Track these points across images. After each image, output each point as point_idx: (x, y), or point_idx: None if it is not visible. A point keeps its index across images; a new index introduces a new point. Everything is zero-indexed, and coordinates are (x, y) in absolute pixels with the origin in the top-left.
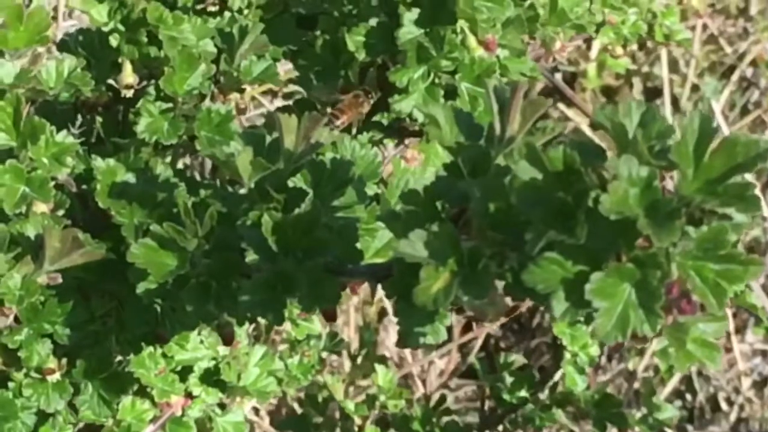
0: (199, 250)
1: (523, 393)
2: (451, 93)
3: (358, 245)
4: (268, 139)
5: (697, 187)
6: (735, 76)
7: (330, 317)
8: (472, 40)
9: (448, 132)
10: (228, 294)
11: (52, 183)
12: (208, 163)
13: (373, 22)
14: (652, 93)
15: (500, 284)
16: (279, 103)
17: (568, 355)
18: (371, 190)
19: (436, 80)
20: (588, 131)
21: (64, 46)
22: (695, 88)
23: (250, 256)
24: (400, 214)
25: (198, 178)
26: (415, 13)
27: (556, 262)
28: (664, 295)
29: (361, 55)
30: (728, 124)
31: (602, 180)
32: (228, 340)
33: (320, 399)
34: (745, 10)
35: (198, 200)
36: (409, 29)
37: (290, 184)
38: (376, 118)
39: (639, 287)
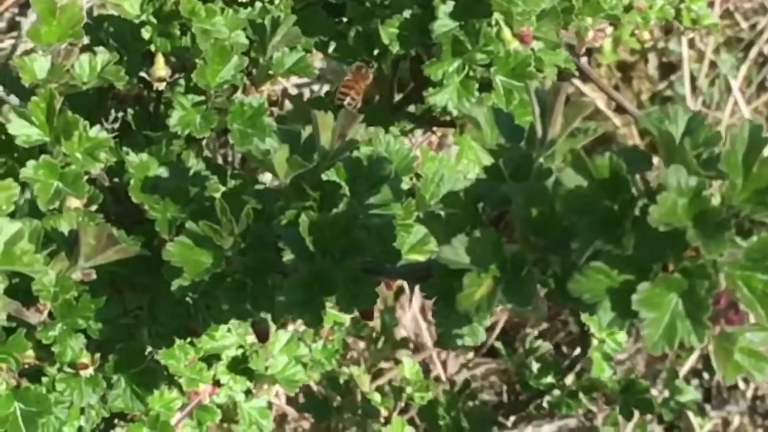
0: (234, 248)
1: (549, 379)
2: (486, 86)
3: (396, 245)
4: (304, 135)
5: (746, 198)
6: (753, 53)
7: (367, 316)
8: (507, 33)
9: (488, 133)
10: (264, 292)
11: (85, 177)
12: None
13: (406, 14)
14: (667, 68)
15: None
16: (296, 80)
17: (595, 342)
18: (405, 183)
19: (471, 73)
20: (604, 107)
21: (90, 30)
22: (712, 64)
23: (287, 256)
24: (439, 214)
25: (220, 160)
26: (450, 5)
27: (602, 271)
28: (712, 306)
29: (395, 48)
30: (744, 101)
31: (648, 187)
32: (263, 336)
33: (341, 381)
34: None
35: (228, 190)
36: (444, 22)
37: (324, 177)
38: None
39: (686, 297)
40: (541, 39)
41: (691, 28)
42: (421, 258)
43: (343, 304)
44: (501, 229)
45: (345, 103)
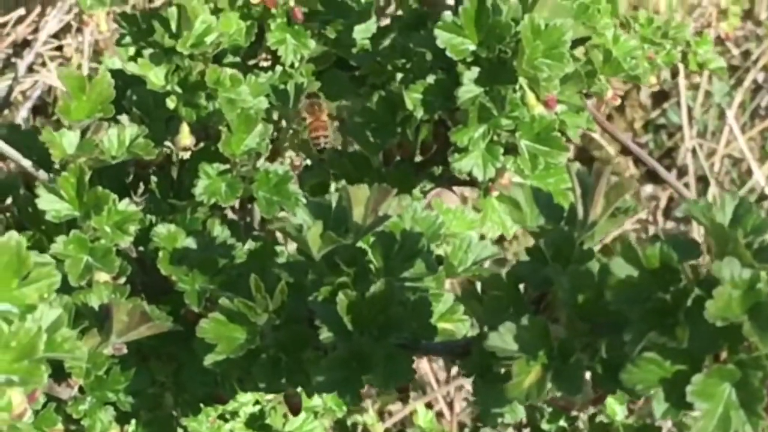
0: (268, 323)
1: (561, 423)
2: (511, 150)
3: (432, 321)
4: (333, 204)
5: None
6: (747, 82)
7: (403, 390)
8: (531, 98)
9: (528, 214)
10: (299, 368)
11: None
12: None
13: (430, 79)
14: (660, 96)
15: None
16: None
17: None
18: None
19: (496, 138)
20: (597, 136)
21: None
22: (706, 92)
23: (325, 334)
24: (477, 292)
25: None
26: (475, 71)
27: (654, 362)
28: (766, 395)
29: (420, 113)
30: (739, 129)
31: (697, 275)
32: (295, 410)
33: (349, 424)
34: (751, 12)
35: (249, 252)
36: (469, 88)
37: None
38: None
39: (740, 387)
40: (565, 102)
41: (698, 72)
42: (450, 326)
43: (380, 381)
44: (542, 309)
45: (323, 144)
